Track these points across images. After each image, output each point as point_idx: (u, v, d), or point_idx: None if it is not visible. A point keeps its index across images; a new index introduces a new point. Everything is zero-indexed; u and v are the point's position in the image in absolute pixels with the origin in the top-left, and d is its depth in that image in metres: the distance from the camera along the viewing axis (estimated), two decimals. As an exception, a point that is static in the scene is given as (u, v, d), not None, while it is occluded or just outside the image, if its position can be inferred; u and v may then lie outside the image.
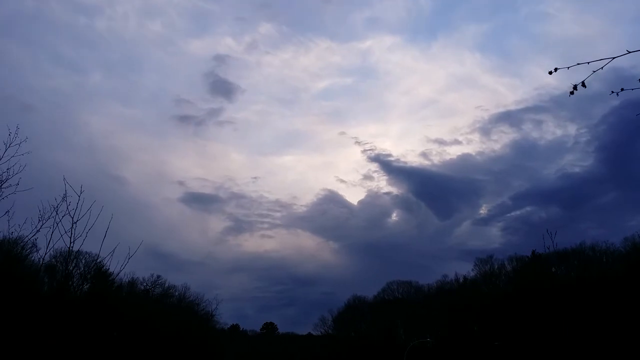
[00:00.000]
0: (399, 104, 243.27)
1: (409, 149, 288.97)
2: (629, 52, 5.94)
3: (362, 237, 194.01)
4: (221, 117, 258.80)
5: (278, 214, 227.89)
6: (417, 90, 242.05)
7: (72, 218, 11.86)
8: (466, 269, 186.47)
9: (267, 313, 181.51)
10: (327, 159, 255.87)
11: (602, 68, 5.91)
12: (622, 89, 6.02)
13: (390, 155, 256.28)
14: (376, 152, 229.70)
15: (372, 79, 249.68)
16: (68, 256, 14.77)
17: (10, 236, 12.94)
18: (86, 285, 56.91)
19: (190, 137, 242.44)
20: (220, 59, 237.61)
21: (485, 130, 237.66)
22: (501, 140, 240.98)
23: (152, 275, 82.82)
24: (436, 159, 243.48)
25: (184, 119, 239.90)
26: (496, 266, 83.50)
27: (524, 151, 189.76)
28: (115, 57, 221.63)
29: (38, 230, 12.03)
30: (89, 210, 11.87)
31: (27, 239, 12.51)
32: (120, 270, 12.46)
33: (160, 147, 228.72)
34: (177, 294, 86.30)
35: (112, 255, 12.41)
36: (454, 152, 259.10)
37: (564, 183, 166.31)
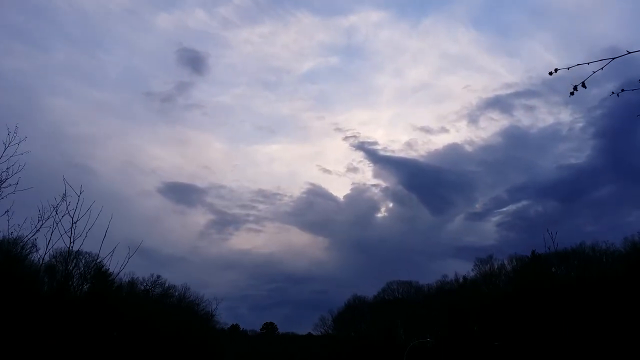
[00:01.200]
0: (388, 88, 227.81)
1: (399, 138, 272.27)
2: (629, 53, 5.94)
3: (350, 233, 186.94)
4: (196, 100, 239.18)
5: (263, 207, 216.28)
6: (408, 72, 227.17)
7: (72, 218, 11.85)
8: (460, 266, 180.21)
9: (260, 312, 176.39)
10: (313, 148, 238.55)
11: (602, 69, 5.92)
12: (622, 90, 6.02)
13: (379, 145, 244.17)
14: (366, 142, 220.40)
15: (359, 59, 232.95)
16: (68, 256, 14.75)
17: (10, 236, 12.92)
18: (86, 285, 56.94)
19: (164, 122, 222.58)
20: (192, 34, 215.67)
21: (474, 117, 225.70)
22: (490, 128, 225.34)
23: (152, 275, 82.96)
24: (423, 149, 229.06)
25: (156, 102, 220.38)
26: (496, 266, 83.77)
27: (516, 140, 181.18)
28: (77, 32, 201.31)
29: (38, 230, 12.00)
30: (89, 210, 11.86)
31: (26, 238, 12.49)
32: (120, 270, 12.45)
33: (132, 133, 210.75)
34: (177, 294, 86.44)
35: (112, 255, 12.40)
36: (442, 141, 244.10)
37: (560, 175, 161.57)
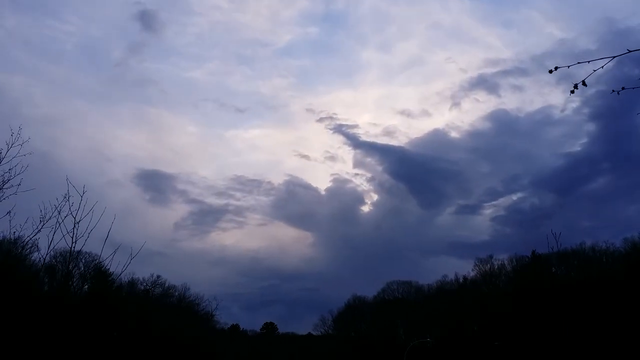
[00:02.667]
0: (373, 65, 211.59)
1: (384, 122, 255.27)
2: (630, 52, 5.95)
3: (337, 227, 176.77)
4: (160, 76, 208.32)
5: (242, 197, 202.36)
6: (395, 46, 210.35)
7: (75, 218, 11.85)
8: (454, 263, 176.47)
9: (254, 311, 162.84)
10: (294, 133, 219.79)
11: (602, 67, 5.93)
12: (623, 88, 6.02)
13: (363, 129, 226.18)
14: (349, 127, 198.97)
15: (341, 30, 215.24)
16: (69, 256, 14.79)
17: (12, 236, 12.95)
18: (86, 285, 57.01)
19: (129, 102, 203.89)
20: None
21: (462, 98, 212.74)
22: (476, 111, 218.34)
23: (152, 275, 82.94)
24: (404, 136, 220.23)
25: (119, 80, 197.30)
26: (496, 266, 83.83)
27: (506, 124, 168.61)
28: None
29: (39, 231, 12.03)
30: (92, 211, 11.86)
31: (27, 238, 12.51)
32: (123, 271, 12.47)
33: (97, 116, 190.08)
34: (177, 294, 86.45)
35: (113, 256, 12.42)
36: (429, 125, 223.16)
37: (555, 164, 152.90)
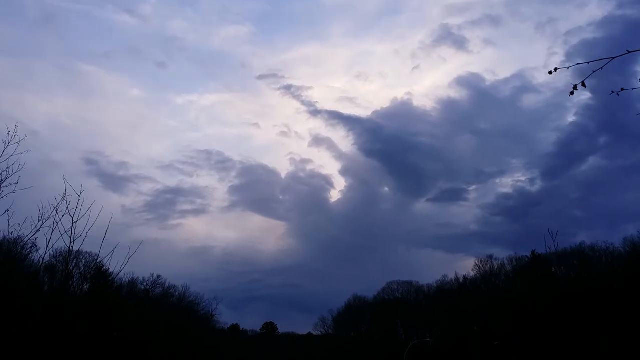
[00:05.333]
0: (339, 12, 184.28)
1: (359, 88, 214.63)
2: (629, 52, 5.92)
3: (305, 215, 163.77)
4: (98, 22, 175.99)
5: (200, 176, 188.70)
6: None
7: (72, 218, 11.85)
8: (440, 257, 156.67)
9: (240, 309, 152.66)
10: (254, 104, 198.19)
11: (602, 68, 5.88)
12: (622, 89, 5.96)
13: (330, 98, 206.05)
14: (313, 96, 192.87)
15: None
16: (68, 256, 14.75)
17: (10, 236, 12.93)
18: (86, 285, 56.96)
19: (58, 58, 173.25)
20: None
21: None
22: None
23: (152, 275, 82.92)
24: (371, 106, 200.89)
25: (44, 25, 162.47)
26: (496, 266, 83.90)
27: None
28: None
29: (38, 230, 12.02)
30: (89, 210, 11.86)
31: (27, 238, 12.49)
32: (121, 270, 12.47)
33: (13, 77, 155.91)
34: (177, 294, 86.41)
35: (112, 255, 12.41)
36: (404, 93, 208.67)
37: (542, 145, 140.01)
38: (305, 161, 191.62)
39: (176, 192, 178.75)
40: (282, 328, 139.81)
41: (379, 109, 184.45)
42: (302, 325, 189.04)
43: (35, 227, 11.96)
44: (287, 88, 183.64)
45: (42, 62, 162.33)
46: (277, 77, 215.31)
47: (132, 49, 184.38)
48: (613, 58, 5.81)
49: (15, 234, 12.51)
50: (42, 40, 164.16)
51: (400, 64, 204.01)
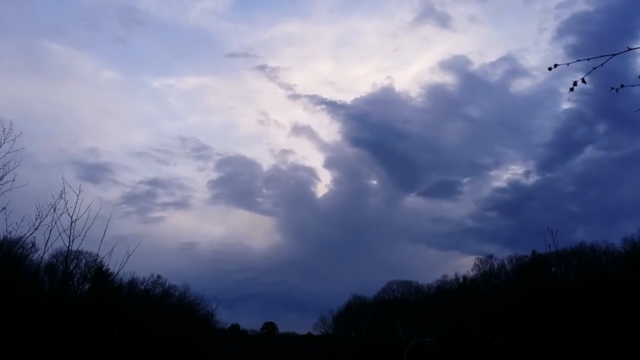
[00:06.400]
0: None
1: (348, 72, 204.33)
2: (630, 49, 5.90)
3: (293, 210, 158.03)
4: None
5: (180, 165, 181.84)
6: None
7: (71, 217, 11.81)
8: (432, 252, 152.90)
9: (233, 309, 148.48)
10: (235, 87, 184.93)
11: (602, 65, 5.86)
12: (622, 86, 5.94)
13: (316, 85, 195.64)
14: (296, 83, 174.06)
15: None
16: (67, 256, 14.73)
17: (9, 235, 12.89)
18: (86, 285, 56.93)
19: (21, 36, 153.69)
20: None
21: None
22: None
23: (152, 275, 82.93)
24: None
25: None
26: (496, 266, 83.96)
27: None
28: None
29: (36, 228, 11.99)
30: (88, 209, 11.82)
31: (25, 237, 12.47)
32: (120, 269, 12.45)
33: None
34: (177, 294, 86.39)
35: (110, 254, 12.38)
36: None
37: (538, 127, 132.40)
38: (286, 152, 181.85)
39: (155, 183, 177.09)
40: (282, 328, 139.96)
41: (365, 94, 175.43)
42: (302, 325, 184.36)
43: (34, 225, 11.93)
44: (267, 70, 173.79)
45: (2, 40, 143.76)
46: (255, 57, 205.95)
47: (100, 27, 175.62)
48: (613, 55, 5.80)
49: (13, 233, 12.48)
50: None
51: (388, 44, 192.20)
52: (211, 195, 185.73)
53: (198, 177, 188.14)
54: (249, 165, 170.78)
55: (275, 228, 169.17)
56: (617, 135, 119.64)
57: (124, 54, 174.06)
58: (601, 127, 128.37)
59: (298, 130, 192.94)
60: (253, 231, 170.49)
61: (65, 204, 11.78)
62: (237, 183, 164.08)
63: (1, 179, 12.28)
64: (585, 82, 5.76)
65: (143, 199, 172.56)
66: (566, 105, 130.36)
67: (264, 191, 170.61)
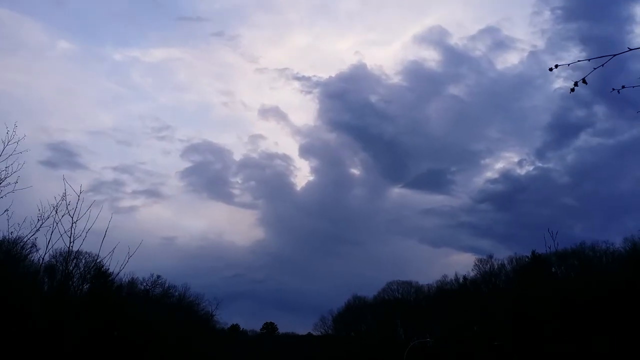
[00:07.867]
0: None
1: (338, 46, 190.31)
2: (630, 50, 5.90)
3: (274, 202, 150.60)
4: None
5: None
6: None
7: (72, 218, 11.82)
8: (424, 249, 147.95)
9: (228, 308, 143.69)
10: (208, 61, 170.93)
11: (602, 65, 5.87)
12: (623, 86, 5.95)
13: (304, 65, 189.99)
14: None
15: None
16: (68, 256, 14.73)
17: (10, 236, 12.89)
18: (86, 285, 56.89)
19: None
20: None
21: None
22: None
23: (152, 275, 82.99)
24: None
25: None
26: (496, 266, 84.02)
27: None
28: None
29: (38, 230, 11.99)
30: (89, 210, 11.83)
31: (26, 238, 12.47)
32: (120, 270, 12.45)
33: None
34: (177, 294, 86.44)
35: (111, 255, 12.38)
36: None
37: (529, 109, 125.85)
38: (256, 137, 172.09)
39: (124, 170, 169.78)
40: (282, 328, 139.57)
41: (343, 70, 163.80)
42: (302, 325, 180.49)
43: (35, 227, 11.94)
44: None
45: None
46: (210, 22, 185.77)
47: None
48: (614, 55, 5.80)
49: (14, 234, 12.49)
50: None
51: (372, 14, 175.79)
52: (184, 184, 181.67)
53: (167, 165, 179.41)
54: (220, 151, 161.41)
55: (258, 222, 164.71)
56: (616, 118, 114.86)
57: (79, 22, 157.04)
58: (599, 109, 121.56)
59: (268, 111, 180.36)
60: (234, 226, 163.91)
61: (67, 205, 11.78)
62: (209, 171, 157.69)
63: (4, 180, 12.29)
64: (586, 83, 5.79)
65: (110, 186, 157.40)
66: (558, 84, 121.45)
67: (240, 182, 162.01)
